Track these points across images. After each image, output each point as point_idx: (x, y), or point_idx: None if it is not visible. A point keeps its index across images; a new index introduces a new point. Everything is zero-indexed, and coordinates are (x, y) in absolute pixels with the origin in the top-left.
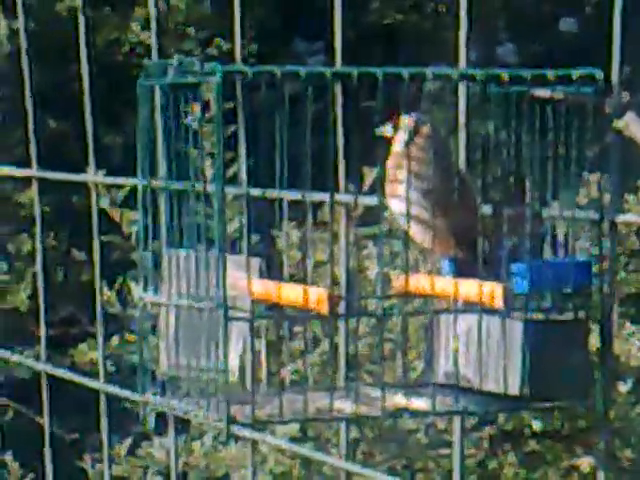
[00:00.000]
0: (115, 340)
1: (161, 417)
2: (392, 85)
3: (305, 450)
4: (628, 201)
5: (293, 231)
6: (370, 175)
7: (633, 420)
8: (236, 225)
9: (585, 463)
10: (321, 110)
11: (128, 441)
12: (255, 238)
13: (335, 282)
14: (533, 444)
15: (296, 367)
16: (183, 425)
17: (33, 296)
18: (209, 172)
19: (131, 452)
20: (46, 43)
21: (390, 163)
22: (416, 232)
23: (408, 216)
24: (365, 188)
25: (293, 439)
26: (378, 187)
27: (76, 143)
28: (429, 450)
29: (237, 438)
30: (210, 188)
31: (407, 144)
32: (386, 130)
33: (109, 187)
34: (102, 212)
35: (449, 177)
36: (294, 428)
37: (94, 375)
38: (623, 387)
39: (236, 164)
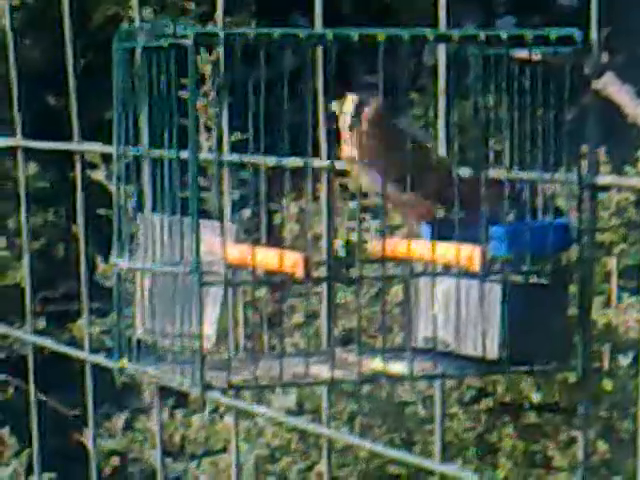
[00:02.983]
0: (113, 315)
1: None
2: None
3: (296, 421)
4: (627, 172)
5: (291, 203)
6: None
7: (632, 392)
8: (234, 197)
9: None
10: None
11: (124, 415)
12: (250, 211)
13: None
14: (532, 416)
15: (284, 337)
16: (182, 398)
17: (33, 272)
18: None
19: (129, 426)
20: (45, 18)
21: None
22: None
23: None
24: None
25: (289, 411)
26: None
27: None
28: (426, 423)
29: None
30: (185, 155)
31: (351, 127)
32: (332, 106)
33: (106, 160)
34: (101, 186)
35: (404, 151)
36: (291, 400)
37: (94, 350)
38: (623, 360)
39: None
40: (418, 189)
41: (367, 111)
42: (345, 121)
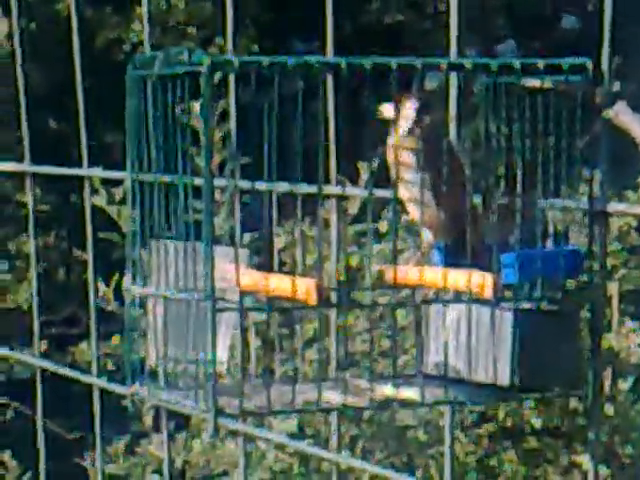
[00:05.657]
0: (116, 339)
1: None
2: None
3: (301, 445)
4: (628, 197)
5: (295, 228)
6: (365, 170)
7: (633, 417)
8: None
9: (585, 460)
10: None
11: (125, 439)
12: (253, 236)
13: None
14: (533, 441)
15: (295, 364)
16: (183, 422)
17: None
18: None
19: (130, 450)
20: (47, 43)
21: (393, 147)
22: (419, 217)
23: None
24: (361, 182)
25: (291, 435)
26: (371, 180)
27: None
28: (428, 447)
29: (234, 434)
30: (198, 181)
31: (408, 132)
32: (386, 110)
33: (107, 184)
34: (101, 211)
35: (446, 164)
36: (292, 424)
37: (100, 373)
38: (623, 384)
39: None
40: (449, 204)
41: (426, 118)
42: (403, 125)
